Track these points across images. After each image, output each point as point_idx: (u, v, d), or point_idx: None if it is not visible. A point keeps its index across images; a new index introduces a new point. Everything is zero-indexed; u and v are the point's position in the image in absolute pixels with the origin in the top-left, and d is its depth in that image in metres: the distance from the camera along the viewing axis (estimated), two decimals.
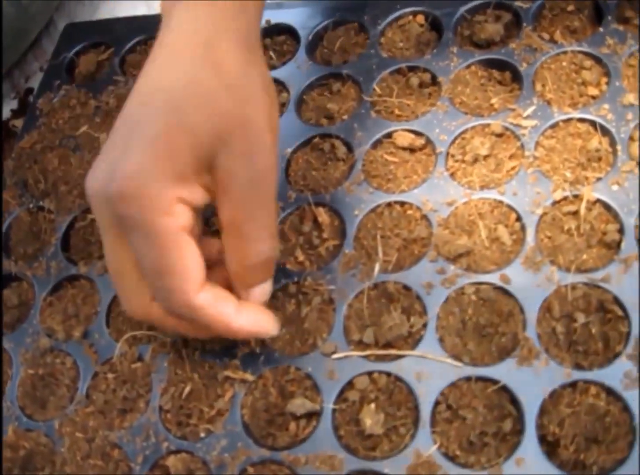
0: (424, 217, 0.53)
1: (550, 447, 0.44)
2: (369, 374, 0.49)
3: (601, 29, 0.56)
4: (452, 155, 0.54)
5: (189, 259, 0.43)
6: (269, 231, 0.45)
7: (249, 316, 0.47)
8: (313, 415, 0.48)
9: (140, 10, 0.77)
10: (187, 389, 0.51)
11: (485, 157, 0.53)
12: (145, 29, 0.70)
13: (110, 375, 0.54)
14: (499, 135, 0.54)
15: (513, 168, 0.52)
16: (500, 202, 0.52)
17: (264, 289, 0.48)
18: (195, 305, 0.44)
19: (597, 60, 0.55)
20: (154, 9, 0.75)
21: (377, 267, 0.51)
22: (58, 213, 0.63)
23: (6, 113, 0.77)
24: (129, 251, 0.44)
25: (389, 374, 0.48)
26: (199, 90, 0.43)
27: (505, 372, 0.46)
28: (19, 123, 0.75)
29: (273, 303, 0.53)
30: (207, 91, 0.43)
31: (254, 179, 0.44)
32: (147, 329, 0.55)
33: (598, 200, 0.50)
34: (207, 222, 0.56)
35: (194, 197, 0.43)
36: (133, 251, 0.44)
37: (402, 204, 0.54)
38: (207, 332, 0.48)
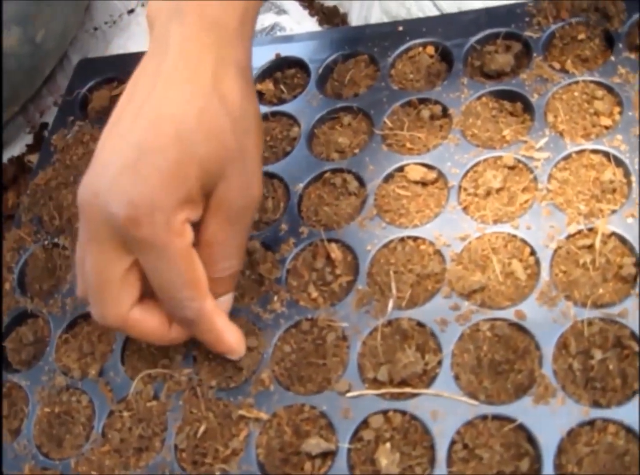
0: (437, 252, 0.52)
1: None
2: (384, 412, 0.48)
3: (612, 58, 0.56)
4: (465, 189, 0.54)
5: (199, 270, 0.48)
6: (242, 249, 0.50)
7: (235, 330, 0.52)
8: (328, 455, 0.48)
9: None
10: (202, 428, 0.51)
11: (498, 190, 0.53)
12: None
13: (125, 414, 0.54)
14: (512, 168, 0.54)
15: (526, 201, 0.52)
16: (514, 236, 0.51)
17: (228, 301, 0.52)
18: (206, 310, 0.49)
19: (609, 89, 0.55)
20: None
21: (390, 304, 0.51)
22: (73, 250, 0.63)
23: (21, 148, 0.78)
24: (121, 265, 0.47)
25: (404, 413, 0.48)
26: (208, 123, 0.45)
27: (521, 410, 0.46)
28: (34, 158, 0.76)
29: (287, 339, 0.53)
30: (216, 124, 0.46)
31: (243, 208, 0.48)
32: (162, 367, 0.55)
33: (613, 233, 0.49)
34: None
35: (197, 216, 0.47)
36: (146, 268, 0.47)
37: (415, 239, 0.53)
38: (197, 335, 0.51)
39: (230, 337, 0.51)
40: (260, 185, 0.49)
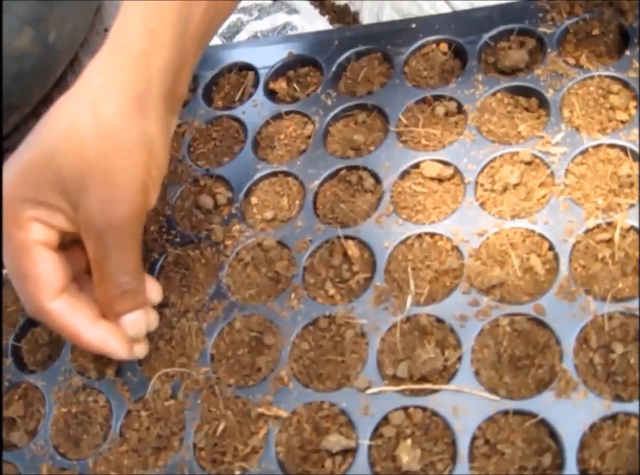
0: (455, 248, 0.52)
1: None
2: (404, 409, 0.48)
3: (627, 52, 0.56)
4: (482, 185, 0.54)
5: (42, 268, 0.49)
6: (126, 269, 0.49)
7: (100, 332, 0.50)
8: (349, 452, 0.48)
9: None
10: (221, 427, 0.51)
11: (515, 185, 0.53)
12: None
13: (143, 413, 0.54)
14: (528, 163, 0.54)
15: (544, 196, 0.52)
16: (532, 231, 0.51)
17: (134, 320, 0.51)
18: (46, 310, 0.49)
19: (625, 84, 0.55)
20: None
21: (409, 300, 0.51)
22: None
23: None
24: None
25: (424, 409, 0.48)
26: (73, 135, 0.47)
27: (543, 405, 0.45)
28: None
29: (305, 337, 0.53)
30: (80, 138, 0.47)
31: (109, 226, 0.48)
32: (180, 366, 0.55)
33: (632, 227, 0.49)
34: None
35: (51, 220, 0.49)
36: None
37: (432, 235, 0.53)
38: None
39: (94, 337, 0.50)
40: (131, 207, 0.48)
